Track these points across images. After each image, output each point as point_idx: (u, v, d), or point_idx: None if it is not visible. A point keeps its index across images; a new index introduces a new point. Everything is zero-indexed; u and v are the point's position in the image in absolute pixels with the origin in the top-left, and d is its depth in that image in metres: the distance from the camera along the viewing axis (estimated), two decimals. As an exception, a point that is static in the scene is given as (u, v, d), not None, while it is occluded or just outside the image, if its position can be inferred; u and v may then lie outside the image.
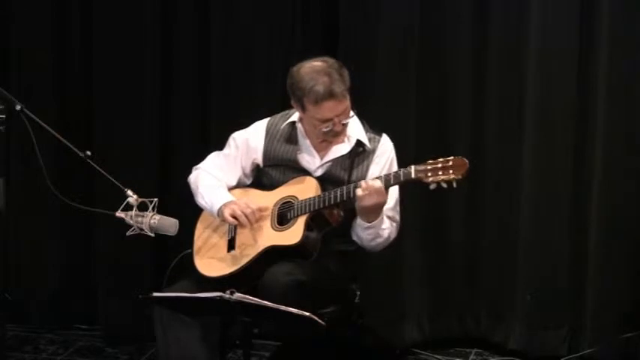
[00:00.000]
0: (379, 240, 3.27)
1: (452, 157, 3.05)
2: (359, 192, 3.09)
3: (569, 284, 4.12)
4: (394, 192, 3.29)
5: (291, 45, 4.25)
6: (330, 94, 3.15)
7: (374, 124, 3.43)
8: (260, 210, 3.26)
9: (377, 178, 3.13)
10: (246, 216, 3.22)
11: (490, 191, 4.21)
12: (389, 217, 3.29)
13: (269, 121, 3.43)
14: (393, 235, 3.32)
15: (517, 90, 4.10)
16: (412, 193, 4.00)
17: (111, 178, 3.05)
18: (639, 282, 4.04)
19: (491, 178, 4.20)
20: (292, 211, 3.23)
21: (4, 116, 2.94)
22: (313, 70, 3.19)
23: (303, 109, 3.24)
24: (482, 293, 4.27)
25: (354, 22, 4.19)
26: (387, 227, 3.26)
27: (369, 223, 3.20)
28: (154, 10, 4.36)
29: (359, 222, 3.23)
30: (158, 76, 4.39)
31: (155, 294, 3.08)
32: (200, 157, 3.52)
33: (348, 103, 3.22)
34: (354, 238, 3.31)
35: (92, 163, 3.07)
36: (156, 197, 3.08)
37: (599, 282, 4.06)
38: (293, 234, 3.18)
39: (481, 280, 4.26)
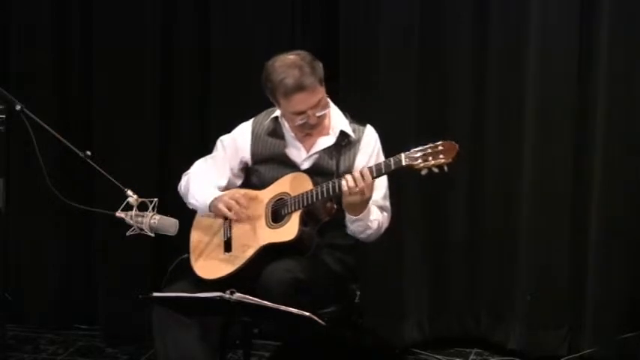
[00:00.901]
0: (369, 232, 3.25)
1: (441, 142, 3.03)
2: (344, 187, 3.08)
3: (569, 284, 4.12)
4: (383, 181, 3.29)
5: (291, 45, 4.25)
6: (299, 87, 3.14)
7: (374, 124, 3.43)
8: (249, 197, 3.26)
9: (368, 167, 3.11)
10: (237, 202, 3.23)
11: (490, 191, 4.21)
12: (380, 207, 3.28)
13: (254, 120, 3.44)
14: (385, 225, 3.31)
15: (517, 90, 4.10)
16: (412, 193, 4.01)
17: (111, 178, 3.05)
18: (639, 282, 4.05)
19: (491, 178, 4.20)
20: (286, 208, 3.22)
21: (4, 116, 2.94)
22: (284, 63, 3.20)
23: (277, 102, 3.25)
24: (482, 293, 4.27)
25: (354, 22, 4.19)
26: (376, 218, 3.25)
27: (356, 216, 3.19)
28: (154, 10, 4.36)
29: (347, 216, 3.22)
30: (158, 76, 4.39)
31: (155, 294, 3.08)
32: (199, 157, 3.51)
33: (320, 95, 3.21)
34: (347, 230, 3.29)
35: (92, 163, 3.07)
36: (156, 197, 3.08)
37: (599, 282, 4.06)
38: (288, 230, 3.18)
39: (481, 280, 4.26)
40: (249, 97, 4.17)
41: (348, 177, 3.08)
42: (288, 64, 3.19)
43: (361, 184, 3.06)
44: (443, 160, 3.01)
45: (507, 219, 4.18)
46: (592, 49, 4.00)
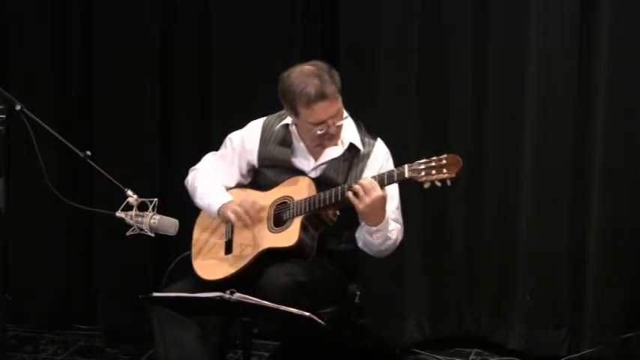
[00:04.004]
0: (389, 243, 3.21)
1: (445, 155, 3.01)
2: (350, 196, 3.06)
3: (569, 284, 4.12)
4: (395, 194, 3.27)
5: (291, 45, 4.26)
6: (321, 95, 3.12)
7: (374, 124, 3.43)
8: (256, 205, 3.25)
9: (371, 177, 3.10)
10: (247, 212, 3.22)
11: (490, 191, 4.21)
12: (393, 220, 3.25)
13: (265, 121, 3.42)
14: (400, 237, 3.27)
15: (517, 90, 4.10)
16: (412, 192, 4.01)
17: (111, 178, 3.05)
18: (639, 282, 4.05)
19: (491, 178, 4.20)
20: (288, 212, 3.22)
21: (4, 116, 2.93)
22: (303, 73, 3.17)
23: (295, 113, 3.22)
24: (482, 293, 4.27)
25: (354, 22, 4.18)
26: (394, 228, 3.22)
27: (376, 226, 3.15)
28: (154, 10, 4.36)
29: (366, 228, 3.17)
30: (158, 76, 4.39)
31: (155, 294, 3.08)
32: (200, 157, 3.51)
33: (340, 104, 3.20)
34: (361, 246, 3.26)
35: (92, 163, 3.06)
36: (156, 197, 3.08)
37: (599, 282, 4.06)
38: (289, 236, 3.17)
39: (481, 280, 4.27)
40: (250, 98, 4.20)
41: (355, 185, 3.06)
42: (307, 74, 3.16)
43: (367, 184, 3.04)
44: (446, 175, 2.99)
45: (507, 219, 4.17)
46: (592, 49, 4.00)
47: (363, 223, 3.19)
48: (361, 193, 3.05)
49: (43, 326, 4.54)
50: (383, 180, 3.08)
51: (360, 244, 3.27)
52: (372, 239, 3.20)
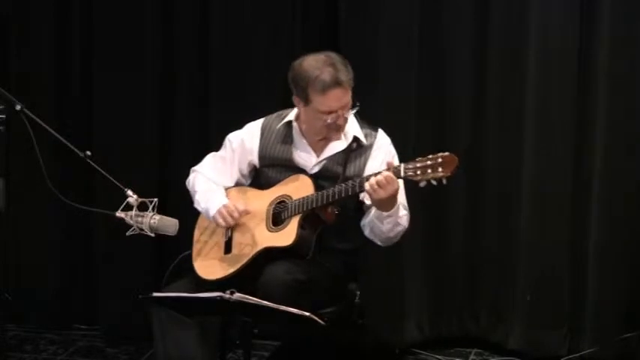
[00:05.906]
0: (399, 229, 3.21)
1: (441, 154, 3.00)
2: (367, 187, 3.04)
3: (569, 284, 4.12)
4: (400, 183, 3.27)
5: (291, 45, 4.25)
6: (336, 82, 3.13)
7: (374, 124, 3.43)
8: (247, 211, 3.26)
9: (366, 176, 3.10)
10: (230, 213, 3.23)
11: (490, 191, 4.21)
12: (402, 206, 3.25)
13: (264, 121, 3.42)
14: (408, 223, 3.28)
15: (517, 90, 4.10)
16: (411, 192, 4.01)
17: (111, 178, 3.05)
18: (639, 282, 4.05)
19: (491, 179, 4.20)
20: (286, 211, 3.22)
21: (4, 116, 2.94)
22: (317, 61, 3.19)
23: (306, 101, 3.20)
24: (482, 293, 4.27)
25: (354, 22, 4.18)
26: (403, 214, 3.23)
27: (388, 212, 3.14)
28: (153, 10, 4.36)
29: (376, 214, 3.17)
30: (158, 76, 4.39)
31: (155, 294, 3.08)
32: (200, 158, 3.52)
33: (350, 95, 3.21)
34: (367, 234, 3.27)
35: (92, 163, 3.06)
36: (156, 197, 3.08)
37: (599, 282, 4.06)
38: (287, 235, 3.18)
39: (481, 280, 4.26)
40: (250, 98, 4.19)
41: (372, 180, 3.04)
42: (322, 62, 3.18)
43: (382, 179, 3.03)
44: (442, 174, 2.99)
45: (507, 219, 4.17)
46: (592, 49, 4.00)
47: (371, 210, 3.20)
48: (376, 187, 3.03)
49: (43, 326, 4.54)
50: None
51: (366, 231, 3.28)
52: (381, 225, 3.20)
